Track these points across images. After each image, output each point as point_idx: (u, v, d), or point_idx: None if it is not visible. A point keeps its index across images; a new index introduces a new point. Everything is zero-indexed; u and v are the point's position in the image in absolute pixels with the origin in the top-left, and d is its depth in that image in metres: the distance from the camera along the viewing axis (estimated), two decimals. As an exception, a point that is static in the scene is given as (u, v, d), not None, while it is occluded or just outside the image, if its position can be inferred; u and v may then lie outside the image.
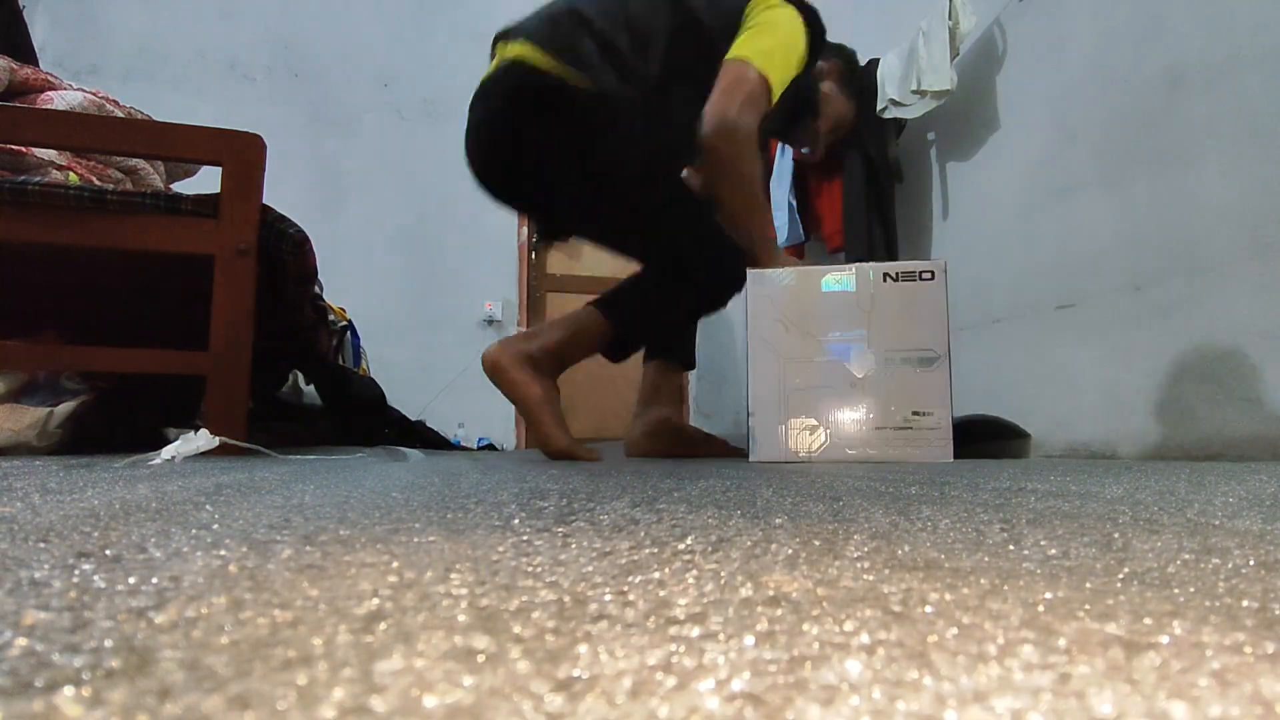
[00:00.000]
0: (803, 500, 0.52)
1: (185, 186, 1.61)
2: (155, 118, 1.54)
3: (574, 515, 0.42)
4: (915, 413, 1.27)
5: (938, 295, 1.29)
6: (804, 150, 1.57)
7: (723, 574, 0.26)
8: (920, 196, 2.46)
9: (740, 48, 1.24)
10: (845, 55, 1.61)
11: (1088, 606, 0.21)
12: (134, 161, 1.58)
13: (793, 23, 1.28)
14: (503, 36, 1.36)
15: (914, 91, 2.25)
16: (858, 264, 1.34)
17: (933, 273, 1.29)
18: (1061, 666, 0.16)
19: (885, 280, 1.29)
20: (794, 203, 2.80)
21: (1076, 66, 1.92)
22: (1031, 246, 2.03)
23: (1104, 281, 1.81)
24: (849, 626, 0.19)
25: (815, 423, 1.29)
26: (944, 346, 1.29)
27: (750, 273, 1.31)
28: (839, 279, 1.32)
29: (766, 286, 1.31)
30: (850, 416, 1.28)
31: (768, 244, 1.35)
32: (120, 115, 1.53)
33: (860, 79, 1.51)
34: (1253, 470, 0.97)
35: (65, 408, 1.32)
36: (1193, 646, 0.18)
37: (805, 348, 1.30)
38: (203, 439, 0.99)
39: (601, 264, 2.58)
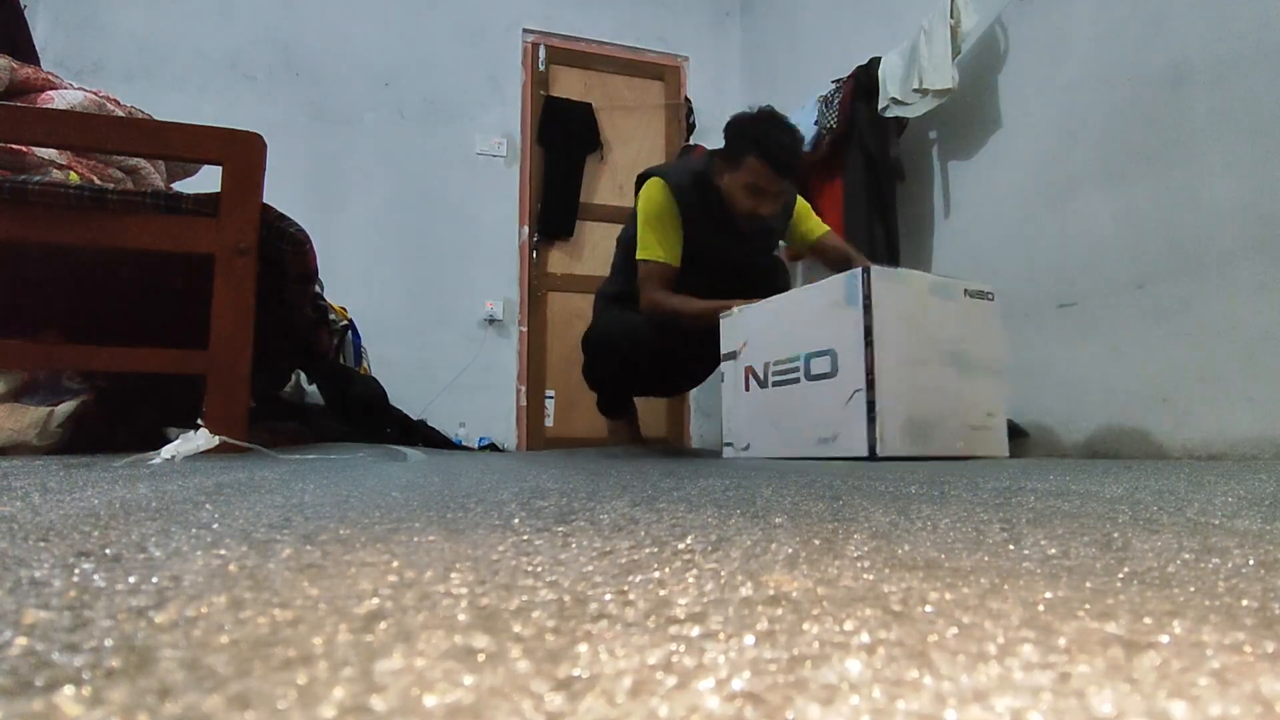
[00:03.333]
0: (803, 500, 0.52)
1: (186, 186, 1.61)
2: (156, 117, 1.54)
3: (574, 515, 0.42)
4: (989, 414, 1.46)
5: (997, 312, 1.52)
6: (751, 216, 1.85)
7: (723, 573, 0.26)
8: (922, 195, 2.46)
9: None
10: (722, 146, 1.81)
11: (1088, 606, 0.21)
12: (135, 161, 1.58)
13: (643, 201, 1.83)
14: None
15: (915, 90, 2.24)
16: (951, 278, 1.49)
17: (993, 294, 1.52)
18: (1061, 666, 0.16)
19: (966, 295, 1.48)
20: (795, 202, 2.80)
21: (1078, 65, 1.91)
22: (1033, 245, 2.03)
23: (1105, 280, 1.81)
24: (849, 626, 0.19)
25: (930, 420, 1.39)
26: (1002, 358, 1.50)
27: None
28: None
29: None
30: (954, 415, 1.42)
31: (714, 309, 1.75)
32: (121, 114, 1.53)
33: (733, 150, 1.76)
34: (1253, 470, 0.97)
35: (66, 407, 1.32)
36: (1193, 646, 0.18)
37: (924, 350, 1.40)
38: (202, 438, 0.99)
39: (603, 264, 2.58)
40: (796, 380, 1.51)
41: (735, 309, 1.68)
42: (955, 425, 1.40)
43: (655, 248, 1.79)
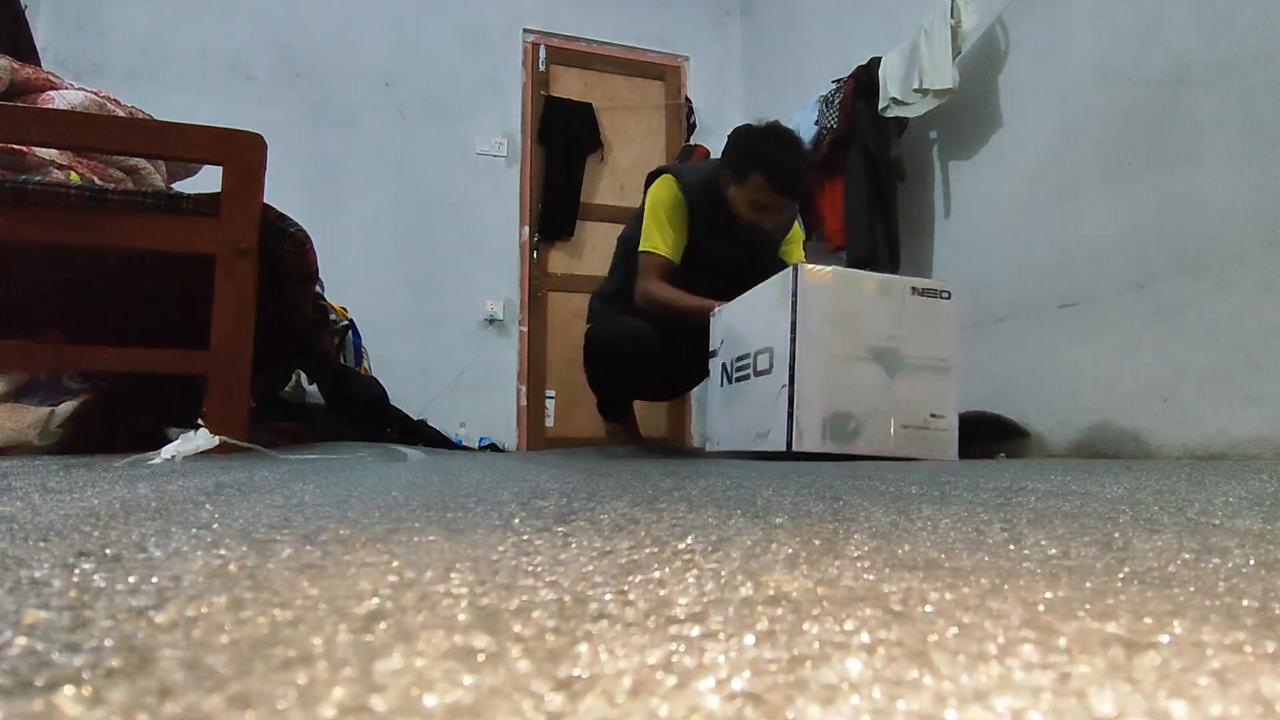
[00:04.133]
0: (803, 500, 0.52)
1: (186, 186, 1.61)
2: (157, 117, 1.54)
3: (574, 515, 0.42)
4: (933, 414, 1.43)
5: (953, 311, 1.48)
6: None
7: (723, 573, 0.26)
8: (922, 195, 2.46)
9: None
10: (727, 157, 1.82)
11: (1088, 606, 0.21)
12: (135, 161, 1.58)
13: (653, 196, 1.85)
14: None
15: (916, 90, 2.24)
16: (889, 275, 1.48)
17: (949, 293, 1.48)
18: (1062, 666, 0.16)
19: (913, 294, 1.45)
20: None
21: (1079, 65, 1.91)
22: (1034, 245, 2.03)
23: (1106, 280, 1.81)
24: (849, 626, 0.19)
25: (855, 417, 1.38)
26: (955, 357, 1.46)
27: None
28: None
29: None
30: (884, 414, 1.40)
31: (705, 308, 1.77)
32: (122, 115, 1.53)
33: (740, 156, 1.77)
34: (1253, 470, 0.97)
35: (66, 407, 1.32)
36: (1193, 646, 0.18)
37: (851, 348, 1.39)
38: (202, 438, 0.99)
39: (603, 264, 2.58)
40: (747, 377, 1.55)
41: (720, 308, 1.72)
42: (883, 425, 1.39)
43: (658, 242, 1.83)
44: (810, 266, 1.41)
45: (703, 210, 1.83)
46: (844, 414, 1.36)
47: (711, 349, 1.75)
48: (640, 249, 1.85)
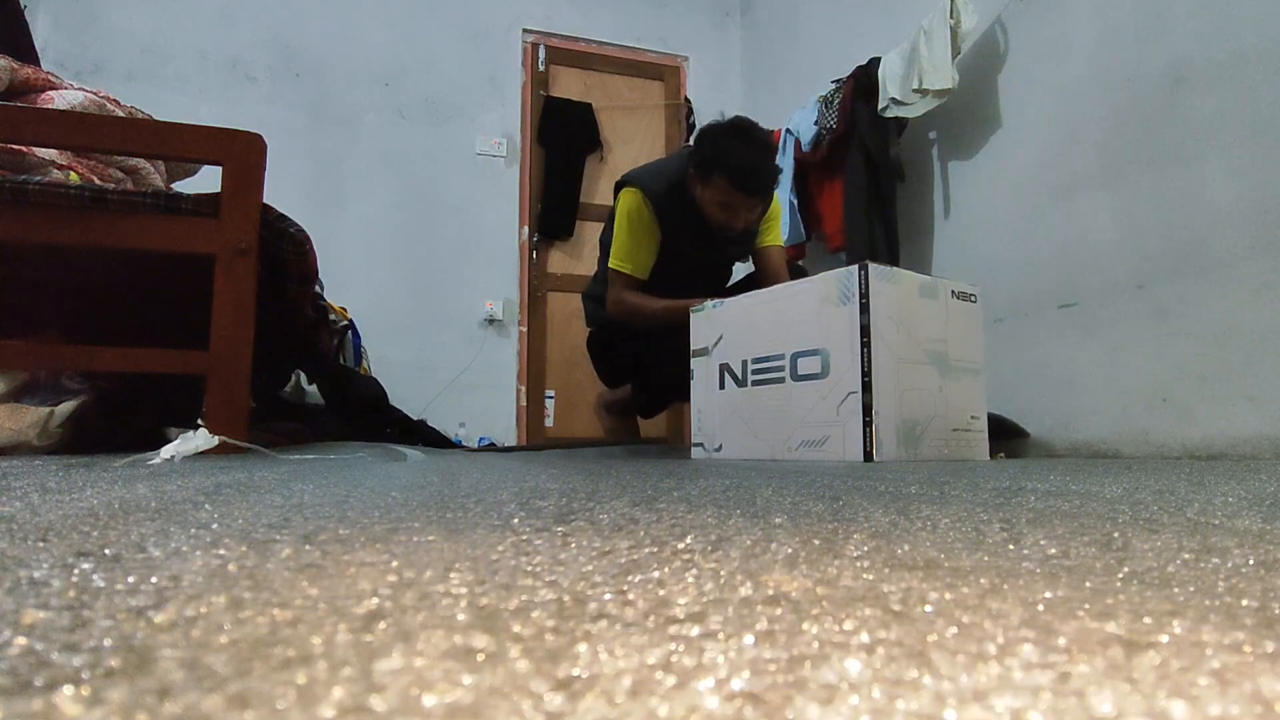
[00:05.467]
0: (802, 499, 0.52)
1: (186, 186, 1.61)
2: (157, 117, 1.54)
3: (574, 515, 0.42)
4: (972, 416, 1.44)
5: (980, 313, 1.49)
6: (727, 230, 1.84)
7: (722, 573, 0.26)
8: (922, 195, 2.46)
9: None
10: (693, 158, 1.78)
11: (1087, 606, 0.21)
12: (135, 161, 1.58)
13: (620, 209, 1.84)
14: None
15: (915, 90, 2.24)
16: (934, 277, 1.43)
17: (976, 295, 1.48)
18: (1061, 665, 0.16)
19: (952, 296, 1.44)
20: (795, 202, 2.79)
21: (1078, 65, 1.91)
22: (1033, 245, 2.03)
23: (1106, 280, 1.81)
24: (849, 625, 0.19)
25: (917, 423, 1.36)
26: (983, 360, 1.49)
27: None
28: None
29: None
30: (940, 418, 1.38)
31: (684, 307, 1.70)
32: (121, 115, 1.53)
33: (702, 159, 1.74)
34: (1253, 470, 0.97)
35: (66, 407, 1.32)
36: (1192, 646, 0.18)
37: (911, 351, 1.36)
38: (202, 438, 0.99)
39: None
40: (780, 380, 1.44)
41: (707, 303, 1.63)
42: (940, 429, 1.37)
43: (625, 260, 1.82)
44: (876, 265, 1.34)
45: (673, 213, 1.80)
46: (911, 420, 1.32)
47: (699, 346, 1.64)
48: (609, 264, 1.85)
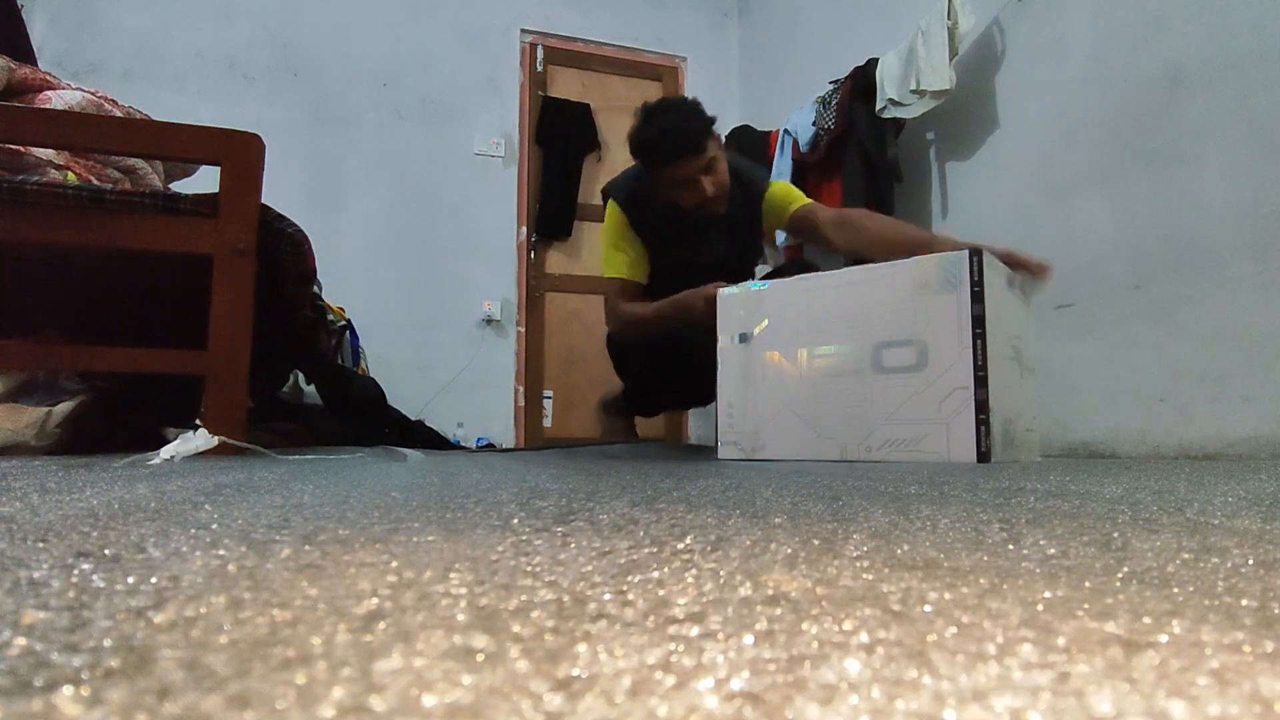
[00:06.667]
0: (802, 500, 0.52)
1: (184, 186, 1.61)
2: (155, 117, 1.54)
3: (573, 515, 0.42)
4: (1035, 415, 1.38)
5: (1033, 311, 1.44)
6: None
7: (722, 573, 0.26)
8: (919, 196, 2.46)
9: None
10: (643, 155, 1.74)
11: (1087, 606, 0.21)
12: (133, 161, 1.57)
13: (605, 222, 1.86)
14: None
15: (913, 91, 2.25)
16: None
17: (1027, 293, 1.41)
18: (1060, 665, 0.16)
19: (1021, 290, 1.36)
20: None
21: (1076, 66, 1.92)
22: (1030, 246, 2.02)
23: (1103, 281, 1.81)
24: (848, 625, 0.19)
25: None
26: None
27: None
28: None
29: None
30: (1021, 417, 1.32)
31: (691, 299, 1.60)
32: (119, 115, 1.53)
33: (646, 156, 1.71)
34: (1252, 470, 0.97)
35: (64, 407, 1.32)
36: (1192, 645, 0.18)
37: (1003, 346, 1.27)
38: (201, 439, 0.99)
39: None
40: (858, 372, 1.28)
41: (746, 284, 1.46)
42: (1020, 429, 1.29)
43: (615, 267, 1.84)
44: (987, 252, 1.23)
45: (652, 218, 1.78)
46: (1007, 419, 1.23)
47: (731, 333, 1.44)
48: (603, 275, 1.87)
